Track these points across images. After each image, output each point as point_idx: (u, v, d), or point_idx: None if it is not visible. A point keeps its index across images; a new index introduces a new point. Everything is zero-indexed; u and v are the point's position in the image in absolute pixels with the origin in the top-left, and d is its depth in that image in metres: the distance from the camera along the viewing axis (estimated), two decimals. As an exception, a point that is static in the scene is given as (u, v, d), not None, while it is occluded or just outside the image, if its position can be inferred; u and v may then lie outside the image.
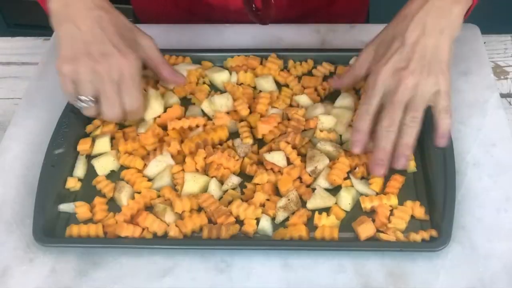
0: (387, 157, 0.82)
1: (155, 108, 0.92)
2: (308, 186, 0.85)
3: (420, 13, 0.80)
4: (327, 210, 0.82)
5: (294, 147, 0.88)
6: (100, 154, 0.90)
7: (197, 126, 0.91)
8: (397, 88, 0.79)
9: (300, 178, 0.86)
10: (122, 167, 0.89)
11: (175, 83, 0.95)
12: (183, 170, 0.87)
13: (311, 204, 0.82)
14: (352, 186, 0.84)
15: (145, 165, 0.88)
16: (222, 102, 0.93)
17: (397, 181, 0.84)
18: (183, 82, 0.95)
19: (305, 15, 1.15)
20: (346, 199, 0.82)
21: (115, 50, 0.82)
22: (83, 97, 0.84)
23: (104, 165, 0.88)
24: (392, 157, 0.82)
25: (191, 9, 1.15)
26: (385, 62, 0.81)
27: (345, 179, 0.85)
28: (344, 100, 0.93)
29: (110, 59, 0.81)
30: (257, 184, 0.85)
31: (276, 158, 0.86)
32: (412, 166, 0.86)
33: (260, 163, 0.88)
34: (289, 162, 0.87)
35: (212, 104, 0.94)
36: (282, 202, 0.82)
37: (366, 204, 0.82)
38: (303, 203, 0.83)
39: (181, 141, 0.90)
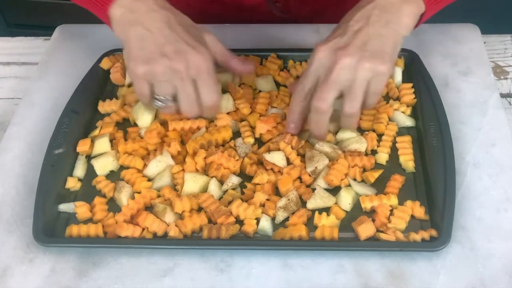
0: (322, 134, 0.85)
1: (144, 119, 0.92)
2: (308, 186, 0.85)
3: (368, 7, 0.81)
4: (327, 210, 0.82)
5: (292, 148, 0.88)
6: (99, 155, 0.90)
7: (198, 128, 0.91)
8: (333, 67, 0.78)
9: (300, 178, 0.86)
10: (122, 167, 0.89)
11: (246, 72, 0.93)
12: (183, 170, 0.87)
13: (311, 204, 0.82)
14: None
15: (145, 165, 0.88)
16: (222, 105, 0.93)
17: (397, 181, 0.84)
18: (253, 70, 0.94)
19: (317, 12, 1.14)
20: (346, 199, 0.82)
21: (189, 47, 0.82)
22: (161, 97, 0.84)
23: (103, 165, 0.88)
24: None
25: (204, 9, 1.15)
26: (324, 43, 0.81)
27: (343, 179, 0.85)
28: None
29: (187, 56, 0.81)
30: (257, 184, 0.85)
31: (276, 158, 0.86)
32: (410, 166, 0.86)
33: (260, 163, 0.88)
34: (289, 162, 0.87)
35: None
36: (282, 202, 0.82)
37: (366, 204, 0.82)
38: (303, 203, 0.83)
39: (181, 142, 0.90)
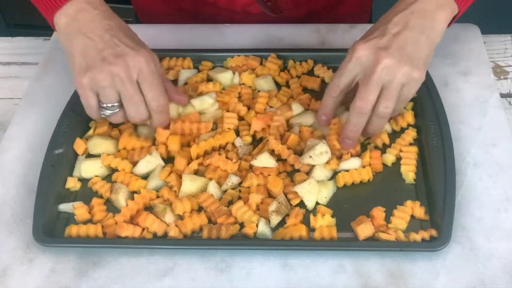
0: (356, 137, 0.84)
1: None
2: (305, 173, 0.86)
3: (405, 12, 0.80)
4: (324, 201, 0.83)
5: (284, 143, 0.88)
6: (96, 155, 0.89)
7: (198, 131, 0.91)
8: (375, 67, 0.78)
9: (289, 175, 0.86)
10: (114, 171, 0.88)
11: (178, 102, 0.92)
12: (172, 172, 0.86)
13: (310, 203, 0.82)
14: (325, 180, 0.85)
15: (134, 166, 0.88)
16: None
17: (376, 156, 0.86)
18: (185, 102, 0.93)
19: (311, 14, 1.14)
20: (322, 193, 0.83)
21: (129, 49, 0.81)
22: (107, 105, 0.83)
23: (89, 168, 0.87)
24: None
25: (196, 11, 1.15)
26: (364, 42, 0.80)
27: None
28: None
29: (126, 59, 0.80)
30: (248, 187, 0.84)
31: (264, 161, 0.85)
32: (410, 177, 0.85)
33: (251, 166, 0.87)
34: (281, 159, 0.87)
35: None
36: (273, 206, 0.81)
37: (340, 182, 0.83)
38: (300, 204, 0.83)
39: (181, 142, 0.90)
